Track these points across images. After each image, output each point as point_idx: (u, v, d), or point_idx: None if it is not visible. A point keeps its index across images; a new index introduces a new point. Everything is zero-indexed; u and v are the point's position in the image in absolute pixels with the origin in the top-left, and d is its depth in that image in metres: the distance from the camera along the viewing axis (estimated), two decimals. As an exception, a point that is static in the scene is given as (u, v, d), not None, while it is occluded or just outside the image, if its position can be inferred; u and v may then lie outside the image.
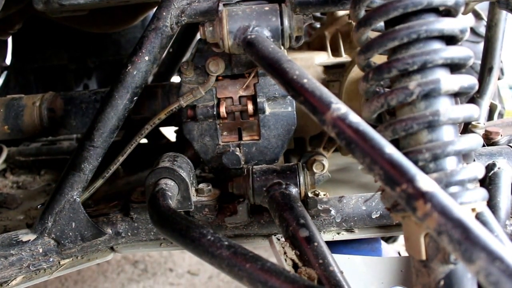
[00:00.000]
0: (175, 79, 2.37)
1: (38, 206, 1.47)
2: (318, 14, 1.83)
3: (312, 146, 1.43)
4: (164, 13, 1.10)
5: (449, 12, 0.83)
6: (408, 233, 0.77)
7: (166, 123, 1.39)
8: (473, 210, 0.74)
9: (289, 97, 1.23)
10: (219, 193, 1.21)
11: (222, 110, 1.22)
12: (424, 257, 0.74)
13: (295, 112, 1.23)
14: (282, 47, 1.10)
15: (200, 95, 1.21)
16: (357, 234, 1.20)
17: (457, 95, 0.82)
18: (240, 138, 1.26)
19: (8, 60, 2.01)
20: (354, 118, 0.73)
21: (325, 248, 0.95)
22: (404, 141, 0.80)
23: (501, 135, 1.24)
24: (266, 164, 1.24)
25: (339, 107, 0.75)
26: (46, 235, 1.17)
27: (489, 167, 1.12)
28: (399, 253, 1.32)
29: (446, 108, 0.77)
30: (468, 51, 0.80)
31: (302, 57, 1.38)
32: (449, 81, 0.77)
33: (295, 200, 1.09)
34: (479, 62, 1.53)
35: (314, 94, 0.80)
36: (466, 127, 1.31)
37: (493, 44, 1.45)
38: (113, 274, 2.82)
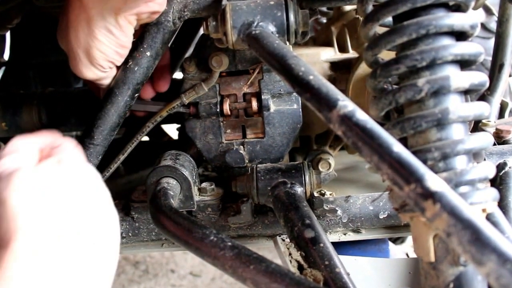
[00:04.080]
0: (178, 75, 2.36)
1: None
2: (324, 9, 1.81)
3: (318, 145, 1.41)
4: (166, 8, 1.08)
5: (459, 7, 0.81)
6: (416, 234, 0.75)
7: (168, 120, 1.38)
8: (484, 210, 0.72)
9: (294, 94, 1.21)
10: (222, 193, 1.19)
11: (226, 107, 1.20)
12: (433, 258, 0.73)
13: (300, 110, 1.21)
14: (288, 43, 1.08)
15: (203, 91, 1.19)
16: (364, 235, 1.18)
17: (467, 93, 0.80)
18: (244, 136, 1.24)
19: (6, 56, 1.99)
20: (361, 115, 0.72)
21: (331, 249, 0.93)
22: (413, 140, 0.79)
23: (512, 134, 1.22)
24: (271, 162, 1.22)
25: (346, 104, 0.74)
26: (46, 234, 1.16)
27: (500, 167, 1.10)
28: (407, 255, 1.30)
29: (455, 105, 0.75)
30: (478, 47, 0.78)
31: (308, 53, 1.36)
32: (459, 78, 0.75)
33: (301, 200, 1.07)
34: (490, 58, 1.50)
35: (320, 91, 0.78)
36: (476, 125, 1.29)
37: (504, 40, 1.43)
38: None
